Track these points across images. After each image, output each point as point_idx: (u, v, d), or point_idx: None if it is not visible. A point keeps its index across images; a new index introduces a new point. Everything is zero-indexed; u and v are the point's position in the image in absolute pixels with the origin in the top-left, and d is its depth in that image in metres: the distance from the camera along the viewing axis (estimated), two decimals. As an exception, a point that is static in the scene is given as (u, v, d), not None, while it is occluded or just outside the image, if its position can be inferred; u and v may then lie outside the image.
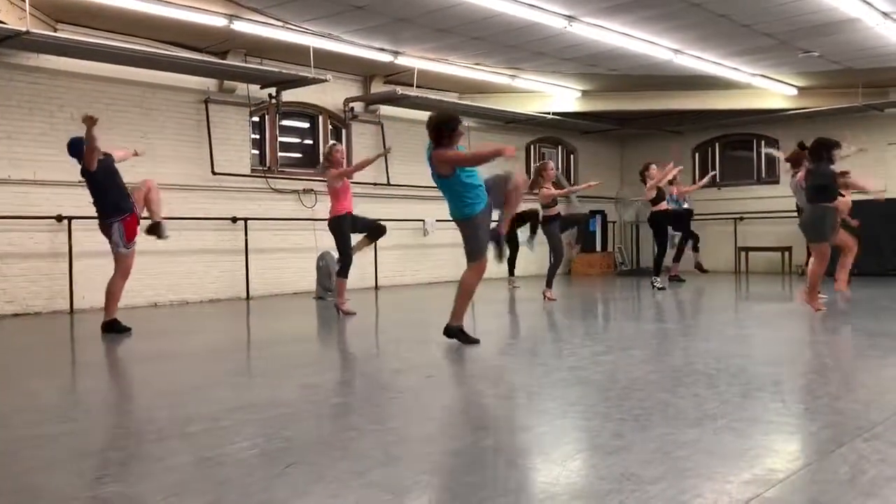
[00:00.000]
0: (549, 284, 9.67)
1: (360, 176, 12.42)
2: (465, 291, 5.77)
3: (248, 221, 11.09)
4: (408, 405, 4.06)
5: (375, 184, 12.66)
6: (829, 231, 7.40)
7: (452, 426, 3.53)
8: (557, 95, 13.81)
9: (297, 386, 4.64)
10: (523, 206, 9.66)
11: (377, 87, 12.58)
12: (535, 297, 9.66)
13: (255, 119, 11.69)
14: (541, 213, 9.99)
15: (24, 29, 8.10)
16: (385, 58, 11.03)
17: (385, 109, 12.86)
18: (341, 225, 8.26)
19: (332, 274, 9.07)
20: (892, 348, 5.50)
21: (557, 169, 16.58)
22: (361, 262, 12.24)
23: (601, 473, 2.70)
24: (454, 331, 5.73)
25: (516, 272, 11.85)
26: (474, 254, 5.74)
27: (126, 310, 9.13)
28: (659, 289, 10.75)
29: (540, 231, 10.09)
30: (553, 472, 2.73)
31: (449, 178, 5.74)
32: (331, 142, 9.44)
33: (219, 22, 9.20)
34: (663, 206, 11.22)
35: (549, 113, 14.19)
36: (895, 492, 2.47)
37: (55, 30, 9.21)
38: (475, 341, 5.71)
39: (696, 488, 2.51)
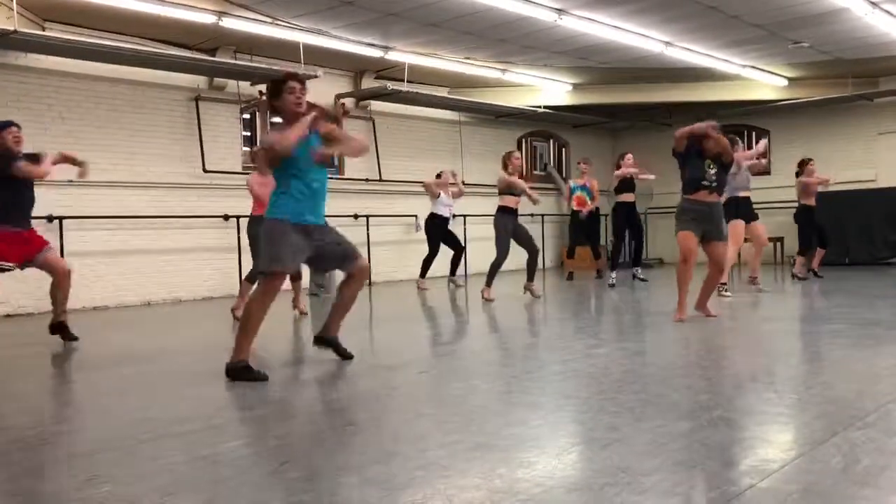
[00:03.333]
0: (488, 283, 8.97)
1: (352, 171, 12.45)
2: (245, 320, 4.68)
3: (241, 219, 11.04)
4: (402, 401, 4.06)
5: (367, 179, 12.64)
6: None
7: (447, 422, 3.53)
8: (548, 89, 13.82)
9: (291, 383, 4.63)
10: None
11: (368, 83, 12.56)
12: (520, 292, 9.63)
13: (246, 116, 11.66)
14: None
15: (11, 28, 8.05)
16: (375, 53, 11.01)
17: (376, 105, 12.83)
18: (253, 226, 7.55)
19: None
20: (883, 337, 5.52)
21: (549, 162, 16.61)
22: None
23: (596, 466, 2.70)
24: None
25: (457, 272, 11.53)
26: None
27: (119, 309, 9.12)
28: (641, 279, 10.70)
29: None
30: (549, 466, 2.73)
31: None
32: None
33: (208, 19, 9.17)
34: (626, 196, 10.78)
35: (540, 106, 14.20)
36: (889, 480, 2.48)
37: (43, 29, 9.16)
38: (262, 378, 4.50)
39: (691, 480, 2.51)
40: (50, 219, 9.32)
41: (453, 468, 2.75)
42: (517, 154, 9.36)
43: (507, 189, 8.92)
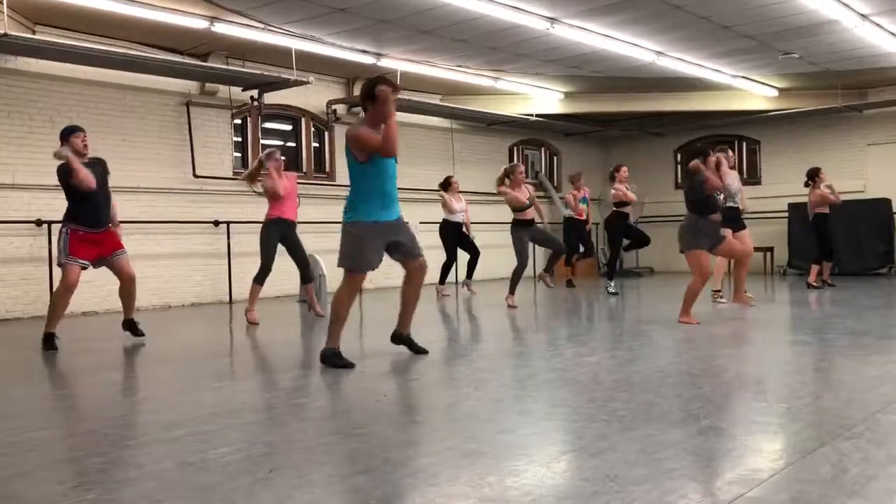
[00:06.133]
0: (511, 290, 9.21)
1: (341, 178, 12.43)
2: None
3: (231, 224, 11.03)
4: (391, 408, 4.05)
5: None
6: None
7: (436, 429, 3.52)
8: (540, 97, 13.85)
9: (280, 390, 4.62)
10: None
11: (360, 90, 12.55)
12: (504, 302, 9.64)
13: (237, 121, 11.64)
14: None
15: (1, 31, 8.01)
16: (368, 60, 11.02)
17: (368, 112, 12.81)
18: (265, 229, 7.99)
19: (314, 277, 8.91)
20: (872, 347, 5.54)
21: (541, 170, 16.64)
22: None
23: (585, 475, 2.69)
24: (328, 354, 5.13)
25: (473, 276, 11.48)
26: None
27: (107, 314, 9.08)
28: (612, 293, 10.40)
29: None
30: (538, 474, 2.72)
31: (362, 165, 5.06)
32: (269, 149, 8.84)
33: (200, 24, 9.15)
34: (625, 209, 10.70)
35: (532, 115, 14.23)
36: (877, 490, 2.48)
37: (34, 32, 9.13)
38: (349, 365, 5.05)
39: (681, 489, 2.51)
40: (38, 223, 9.28)
41: (443, 476, 2.75)
42: (521, 168, 9.63)
43: (516, 206, 9.26)
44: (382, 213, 5.09)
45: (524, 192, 9.31)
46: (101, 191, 6.53)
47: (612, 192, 10.62)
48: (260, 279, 7.99)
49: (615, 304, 9.55)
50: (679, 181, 16.77)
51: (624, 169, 10.75)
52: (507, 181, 9.35)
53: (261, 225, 8.17)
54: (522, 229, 9.28)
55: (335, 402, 4.29)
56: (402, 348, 5.54)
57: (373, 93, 5.09)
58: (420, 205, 13.00)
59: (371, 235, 5.04)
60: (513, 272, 9.30)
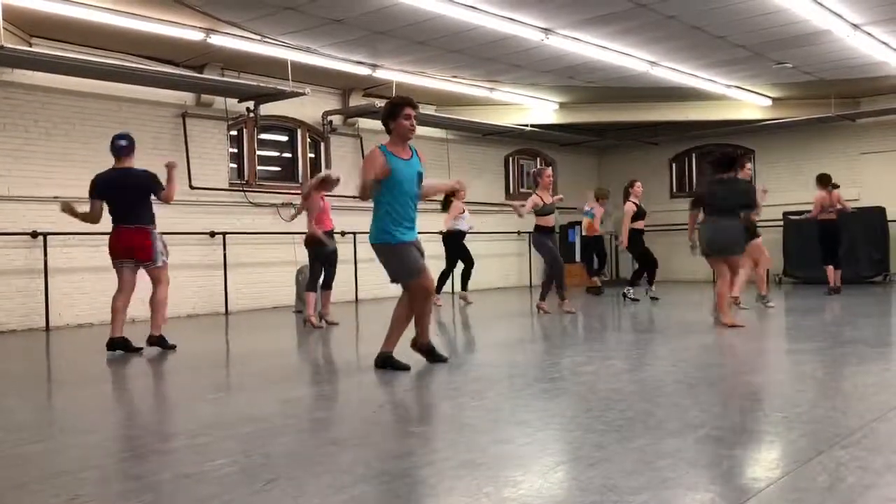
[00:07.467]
0: (561, 297, 9.35)
1: (342, 189, 12.41)
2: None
3: (227, 235, 11.02)
4: (388, 419, 4.05)
5: (355, 196, 12.62)
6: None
7: (434, 440, 3.52)
8: (535, 107, 13.89)
9: (277, 401, 4.61)
10: None
11: (356, 101, 12.59)
12: (511, 309, 9.65)
13: (233, 133, 11.65)
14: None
15: (-2, 44, 8.02)
16: (363, 71, 11.04)
17: (364, 122, 12.85)
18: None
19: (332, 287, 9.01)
20: (868, 355, 5.55)
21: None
22: (342, 276, 12.18)
23: (583, 485, 2.70)
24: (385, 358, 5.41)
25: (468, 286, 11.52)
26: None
27: (102, 326, 9.04)
28: (632, 300, 10.69)
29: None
30: (535, 485, 2.72)
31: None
32: (328, 171, 9.45)
33: (196, 36, 9.18)
34: (640, 223, 10.96)
35: (526, 125, 14.26)
36: (874, 499, 2.49)
37: (30, 44, 9.14)
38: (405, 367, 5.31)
39: (678, 499, 2.51)
40: (34, 234, 9.26)
41: (440, 486, 2.75)
42: (548, 171, 9.74)
43: (541, 210, 9.35)
44: (407, 234, 5.38)
45: (548, 197, 9.45)
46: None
47: (627, 207, 10.89)
48: (326, 285, 8.68)
49: (612, 313, 9.55)
50: (674, 191, 16.82)
51: (638, 184, 11.06)
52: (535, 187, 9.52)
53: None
54: (544, 235, 9.38)
55: (331, 412, 4.29)
56: (399, 359, 5.51)
57: (393, 112, 5.26)
58: (419, 216, 13.00)
59: (408, 248, 5.35)
60: (552, 279, 9.41)
